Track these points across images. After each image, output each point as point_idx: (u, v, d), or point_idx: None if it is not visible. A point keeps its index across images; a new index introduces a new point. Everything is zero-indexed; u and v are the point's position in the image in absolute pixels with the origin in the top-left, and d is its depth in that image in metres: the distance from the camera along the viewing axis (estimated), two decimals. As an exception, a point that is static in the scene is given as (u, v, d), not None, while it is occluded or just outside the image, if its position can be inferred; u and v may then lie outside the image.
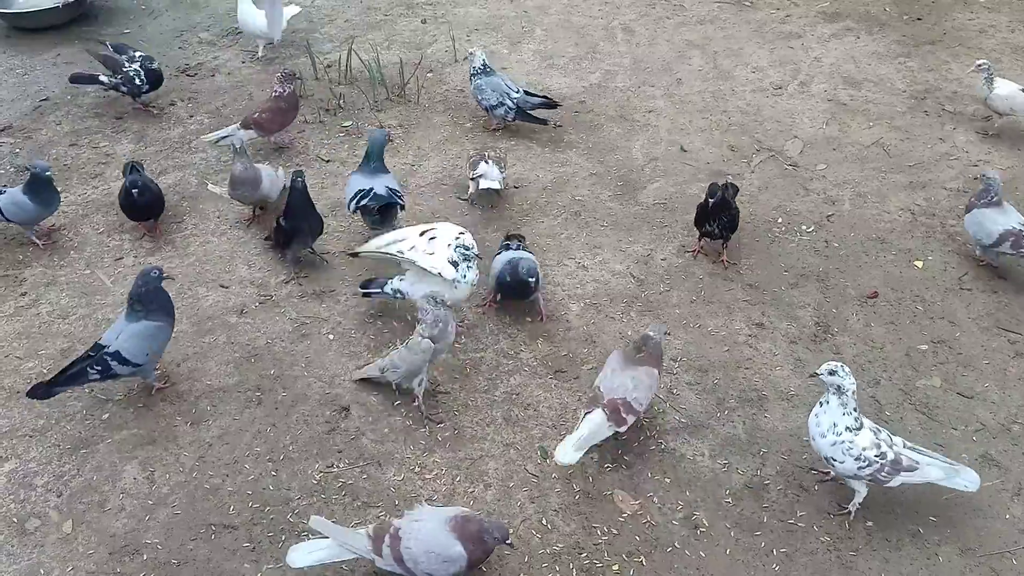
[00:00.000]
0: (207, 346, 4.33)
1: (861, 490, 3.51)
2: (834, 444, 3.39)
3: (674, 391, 4.10)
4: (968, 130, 5.87)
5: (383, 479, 3.70)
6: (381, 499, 3.61)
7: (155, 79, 5.92)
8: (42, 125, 6.01)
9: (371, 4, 7.59)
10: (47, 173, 4.76)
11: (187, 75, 6.59)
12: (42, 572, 3.38)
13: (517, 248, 4.49)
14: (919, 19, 7.22)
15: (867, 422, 3.45)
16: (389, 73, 6.32)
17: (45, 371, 4.19)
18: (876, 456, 3.37)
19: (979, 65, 5.61)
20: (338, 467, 3.75)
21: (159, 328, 3.91)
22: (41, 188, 4.78)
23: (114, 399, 4.05)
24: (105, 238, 5.00)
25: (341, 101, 6.12)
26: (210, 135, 5.64)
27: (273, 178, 4.99)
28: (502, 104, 5.65)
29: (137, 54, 5.86)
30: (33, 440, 3.87)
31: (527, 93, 5.75)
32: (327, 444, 3.84)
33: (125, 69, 5.80)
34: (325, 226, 4.82)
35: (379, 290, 4.39)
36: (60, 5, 7.00)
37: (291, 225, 4.63)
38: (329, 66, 6.55)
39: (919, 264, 4.81)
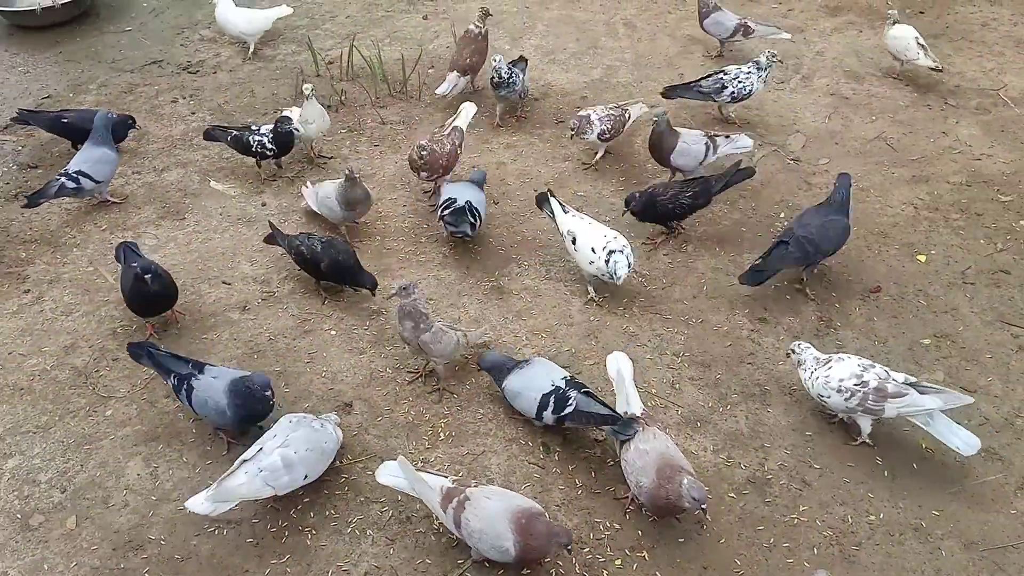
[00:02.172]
0: (210, 342, 4.33)
1: (863, 424, 3.75)
2: (816, 381, 3.74)
3: (676, 386, 4.10)
4: (971, 124, 5.85)
5: (386, 474, 3.70)
6: (384, 495, 3.61)
7: (283, 143, 5.32)
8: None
9: (372, 0, 7.58)
10: (109, 115, 5.16)
11: (189, 72, 6.59)
12: (46, 567, 3.40)
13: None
14: (921, 12, 7.19)
15: (855, 358, 3.76)
16: (391, 69, 6.31)
17: (48, 368, 4.20)
18: (856, 385, 3.63)
19: (889, 14, 6.18)
20: (341, 463, 3.75)
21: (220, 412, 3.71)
22: (108, 136, 5.06)
23: (117, 396, 4.06)
24: (108, 235, 5.01)
25: (343, 97, 6.12)
26: (440, 88, 5.93)
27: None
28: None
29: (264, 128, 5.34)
30: (37, 436, 3.88)
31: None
32: (330, 440, 3.84)
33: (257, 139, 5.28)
34: (325, 225, 4.83)
35: None
36: (58, 4, 6.99)
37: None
38: (331, 62, 6.55)
39: (922, 258, 4.81)
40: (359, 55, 6.39)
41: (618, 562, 3.40)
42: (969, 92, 6.17)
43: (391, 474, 3.43)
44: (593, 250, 4.33)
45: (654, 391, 4.06)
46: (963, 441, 3.59)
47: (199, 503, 3.35)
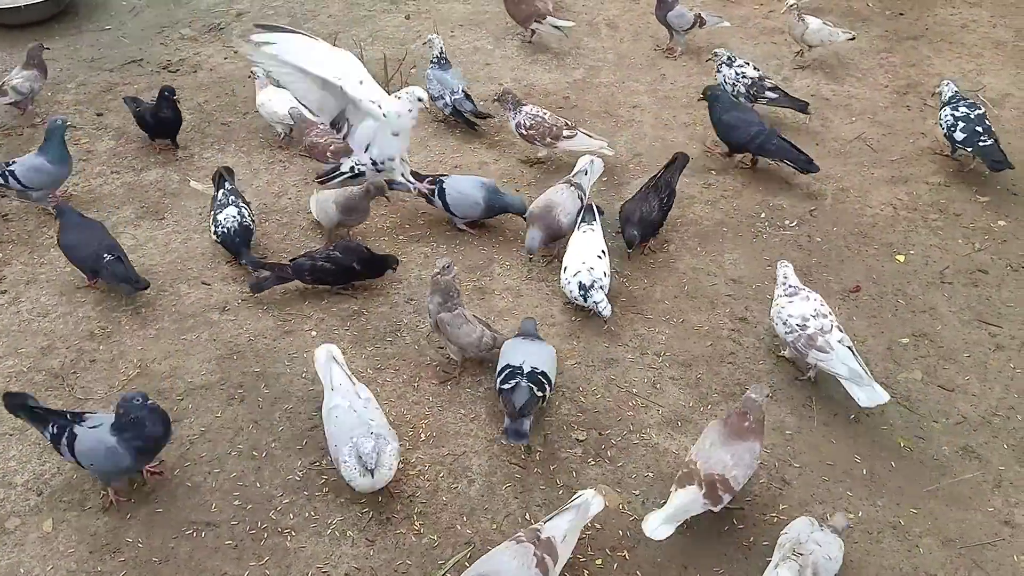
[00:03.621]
0: (189, 343, 4.30)
1: (811, 361, 3.95)
2: (776, 305, 4.07)
3: (657, 386, 4.10)
4: (950, 125, 5.90)
5: (366, 475, 3.68)
6: (364, 495, 3.59)
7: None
8: (23, 122, 5.96)
9: (355, 0, 7.56)
10: (60, 122, 4.93)
11: (169, 71, 6.55)
12: (22, 571, 3.36)
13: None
14: (901, 14, 7.24)
15: (815, 303, 3.99)
16: (373, 69, 6.25)
17: (25, 369, 4.16)
18: (798, 325, 3.92)
19: (791, 6, 6.26)
20: (321, 464, 3.73)
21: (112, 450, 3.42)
22: (55, 146, 4.90)
23: (94, 398, 4.02)
24: (86, 235, 4.95)
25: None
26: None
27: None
28: (441, 98, 5.73)
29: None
30: (13, 439, 3.84)
31: (466, 96, 5.78)
32: (310, 441, 3.83)
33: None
34: (306, 223, 4.80)
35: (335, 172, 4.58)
36: (22, 6, 6.91)
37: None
38: (312, 62, 6.50)
39: (901, 258, 4.84)
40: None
41: (599, 562, 3.40)
42: (948, 93, 6.21)
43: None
44: (565, 270, 4.35)
45: (635, 391, 4.07)
46: (869, 396, 3.76)
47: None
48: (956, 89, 5.43)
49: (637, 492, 3.64)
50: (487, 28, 7.06)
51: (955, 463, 3.77)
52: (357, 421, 3.49)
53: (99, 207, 5.16)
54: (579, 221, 4.61)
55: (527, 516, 3.54)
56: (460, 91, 5.75)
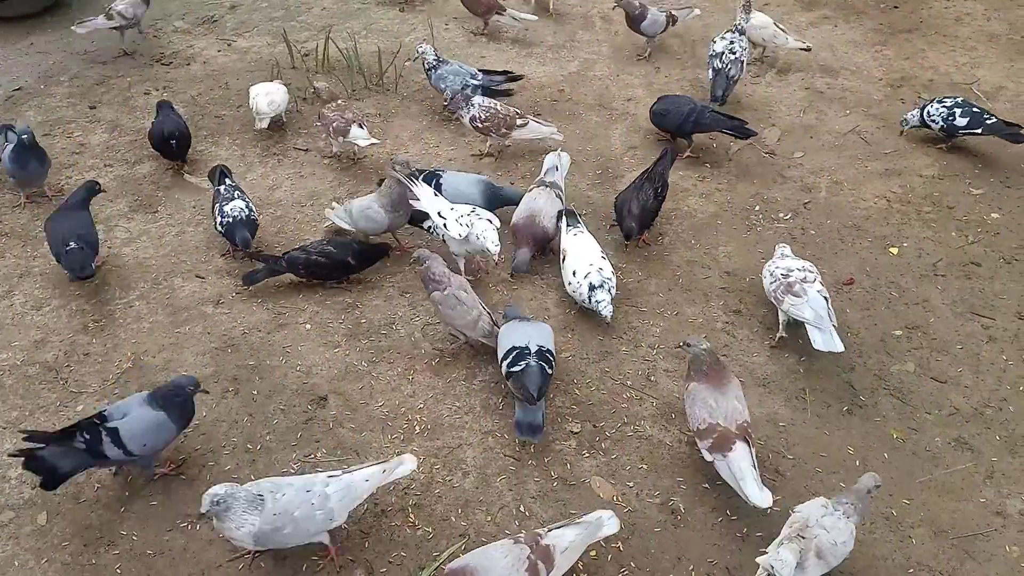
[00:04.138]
0: (183, 336, 4.30)
1: (780, 316, 4.18)
2: (769, 264, 4.31)
3: (651, 378, 4.11)
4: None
5: (361, 468, 3.69)
6: (359, 488, 3.60)
7: None
8: (16, 115, 5.94)
9: (349, -8, 7.54)
10: (23, 136, 4.87)
11: (162, 64, 6.53)
12: (16, 564, 3.36)
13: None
14: (896, 7, 7.25)
15: (801, 263, 4.22)
16: (367, 62, 6.29)
17: (18, 363, 4.15)
18: (781, 275, 4.14)
19: (744, 4, 6.08)
20: (316, 457, 3.74)
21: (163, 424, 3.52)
22: (22, 151, 4.90)
23: (88, 391, 4.02)
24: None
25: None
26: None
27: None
28: (466, 86, 5.68)
29: None
30: (7, 432, 3.83)
31: (484, 73, 5.86)
32: (305, 434, 3.83)
33: None
34: (300, 217, 4.79)
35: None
36: None
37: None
38: (306, 55, 6.51)
39: (894, 251, 4.85)
40: (335, 47, 6.35)
41: (593, 553, 3.40)
42: (942, 86, 6.23)
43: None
44: (574, 274, 4.30)
45: (629, 383, 4.08)
46: (827, 342, 3.94)
47: None
48: (924, 105, 5.50)
49: (631, 484, 3.65)
50: (481, 21, 7.04)
51: (948, 454, 3.78)
52: None
53: (93, 200, 5.13)
54: (564, 226, 4.54)
55: (521, 508, 3.55)
56: (477, 72, 5.78)
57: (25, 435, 3.39)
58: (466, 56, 6.43)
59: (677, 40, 6.82)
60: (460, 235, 4.34)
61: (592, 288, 4.23)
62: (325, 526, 3.23)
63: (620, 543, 3.44)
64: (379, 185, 4.63)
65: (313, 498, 3.18)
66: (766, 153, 5.62)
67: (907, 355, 4.25)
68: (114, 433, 3.40)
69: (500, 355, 3.87)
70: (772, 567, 3.05)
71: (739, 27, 5.83)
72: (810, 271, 4.17)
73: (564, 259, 4.42)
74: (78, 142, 5.67)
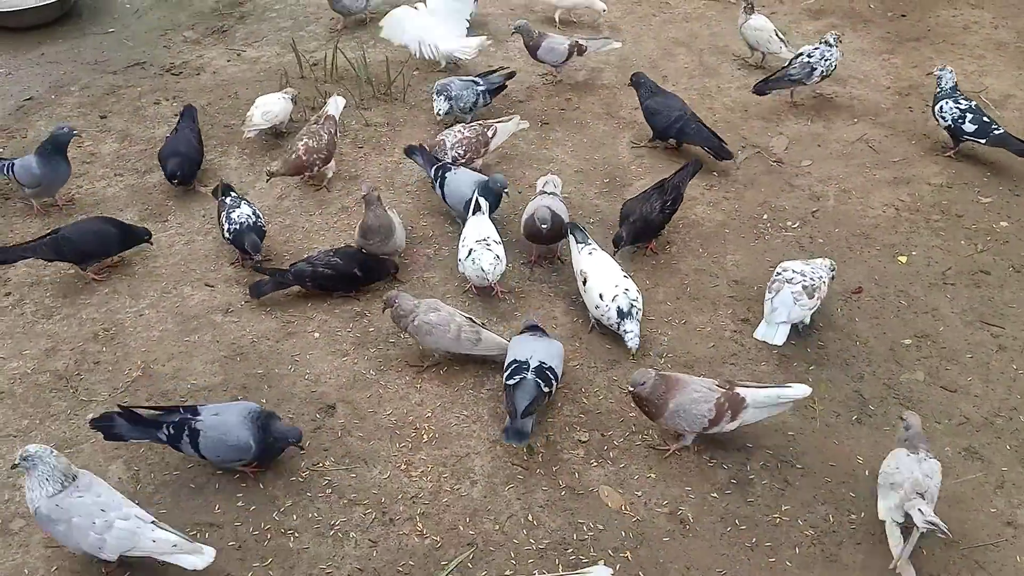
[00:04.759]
0: (192, 345, 4.31)
1: None
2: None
3: (660, 387, 4.10)
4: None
5: (369, 477, 3.70)
6: (367, 497, 3.61)
7: None
8: (26, 125, 5.99)
9: (357, 2, 7.57)
10: (72, 135, 5.02)
11: (172, 74, 6.57)
12: (27, 572, 3.37)
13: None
14: (903, 16, 7.24)
15: (795, 280, 4.21)
16: (375, 71, 6.31)
17: (29, 371, 4.18)
18: (781, 270, 4.27)
19: (746, 5, 6.26)
20: (324, 465, 3.74)
21: (242, 448, 3.57)
22: (53, 153, 4.95)
23: (98, 399, 4.03)
24: (89, 237, 4.97)
25: (327, 99, 6.10)
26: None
27: (401, 226, 4.70)
28: (477, 94, 5.70)
29: None
30: (18, 440, 3.85)
31: (483, 76, 5.88)
32: (313, 442, 3.84)
33: None
34: (309, 226, 4.80)
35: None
36: (25, 9, 6.94)
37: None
38: (315, 64, 6.54)
39: (903, 259, 4.84)
40: (343, 57, 6.39)
41: (601, 562, 3.40)
42: (950, 94, 6.21)
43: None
44: (601, 297, 4.22)
45: (637, 392, 4.07)
46: (763, 331, 4.20)
47: None
48: (955, 79, 5.47)
49: (639, 493, 3.64)
50: (489, 29, 7.07)
51: (958, 464, 3.77)
52: None
53: (103, 209, 5.18)
54: (574, 242, 4.51)
55: (529, 517, 3.55)
56: (479, 81, 5.79)
57: (121, 411, 3.54)
58: (475, 64, 6.44)
59: (684, 49, 6.83)
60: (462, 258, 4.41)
61: (621, 315, 4.15)
62: (92, 550, 3.21)
63: (628, 552, 3.44)
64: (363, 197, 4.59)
65: (99, 519, 3.18)
66: (774, 162, 5.62)
67: (916, 364, 4.23)
68: (195, 435, 3.50)
69: (503, 367, 3.88)
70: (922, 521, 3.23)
71: (830, 42, 5.86)
72: (802, 275, 4.20)
73: (585, 282, 4.32)
74: (88, 152, 5.71)
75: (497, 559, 3.41)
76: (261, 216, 4.74)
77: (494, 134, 5.36)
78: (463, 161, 5.25)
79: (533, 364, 3.78)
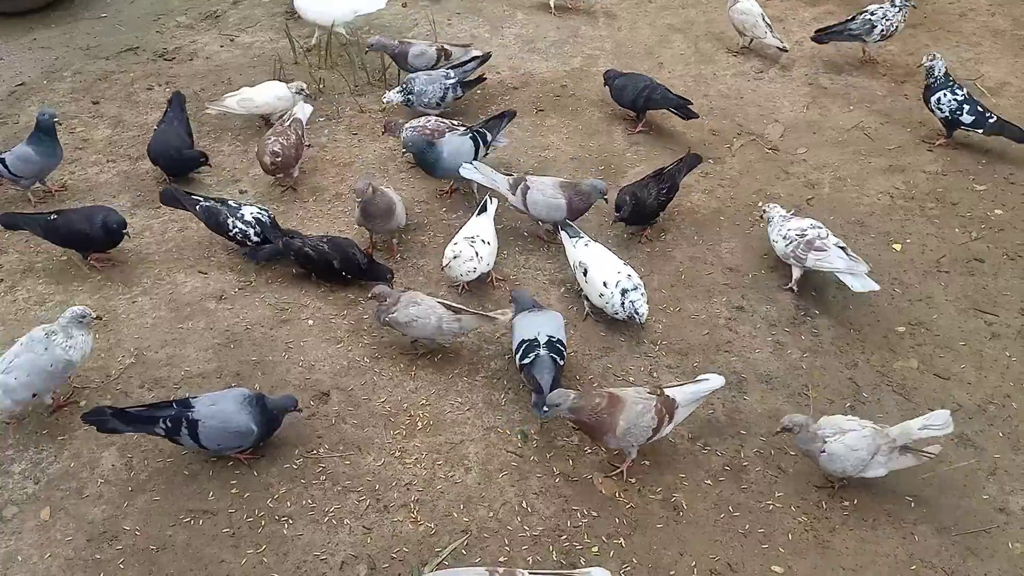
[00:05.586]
0: (186, 332, 4.30)
1: (795, 272, 4.45)
2: (775, 231, 4.50)
3: (654, 374, 4.11)
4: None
5: (363, 464, 3.70)
6: (361, 484, 3.61)
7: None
8: (18, 111, 5.95)
9: (351, -12, 7.52)
10: (53, 120, 4.87)
11: (165, 59, 6.53)
12: (20, 559, 3.37)
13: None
14: (900, 3, 7.21)
15: (809, 220, 4.47)
16: (370, 58, 6.28)
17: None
18: (797, 235, 4.38)
19: None
20: (318, 452, 3.74)
21: (244, 433, 3.58)
22: (44, 138, 4.88)
23: (90, 386, 4.02)
24: (82, 224, 4.94)
25: (321, 85, 6.08)
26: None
27: (400, 203, 4.67)
28: (446, 88, 5.60)
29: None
30: (10, 427, 3.84)
31: (453, 69, 5.77)
32: (307, 429, 3.83)
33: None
34: (303, 213, 4.78)
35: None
36: None
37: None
38: (309, 50, 6.50)
39: (897, 247, 4.84)
40: (337, 43, 6.34)
41: (595, 549, 3.41)
42: (946, 82, 6.20)
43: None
44: (605, 284, 4.21)
45: (632, 379, 4.07)
46: (861, 284, 4.25)
47: None
48: (945, 66, 5.46)
49: (633, 480, 3.65)
50: (484, 16, 7.04)
51: (950, 451, 3.77)
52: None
53: (95, 196, 5.15)
54: (567, 237, 4.49)
55: (524, 504, 3.55)
56: (450, 74, 5.69)
57: (112, 410, 3.52)
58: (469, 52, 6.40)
59: (680, 35, 6.80)
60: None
61: (625, 292, 4.15)
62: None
63: (622, 539, 3.45)
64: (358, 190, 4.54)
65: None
66: (769, 149, 5.61)
67: (910, 351, 4.24)
68: (193, 427, 3.49)
69: (513, 350, 3.92)
70: None
71: (895, 2, 5.98)
72: (819, 227, 4.41)
73: (586, 272, 4.30)
74: (81, 138, 5.68)
75: (491, 546, 3.42)
76: (266, 211, 4.71)
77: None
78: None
79: (543, 340, 3.84)
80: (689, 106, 5.53)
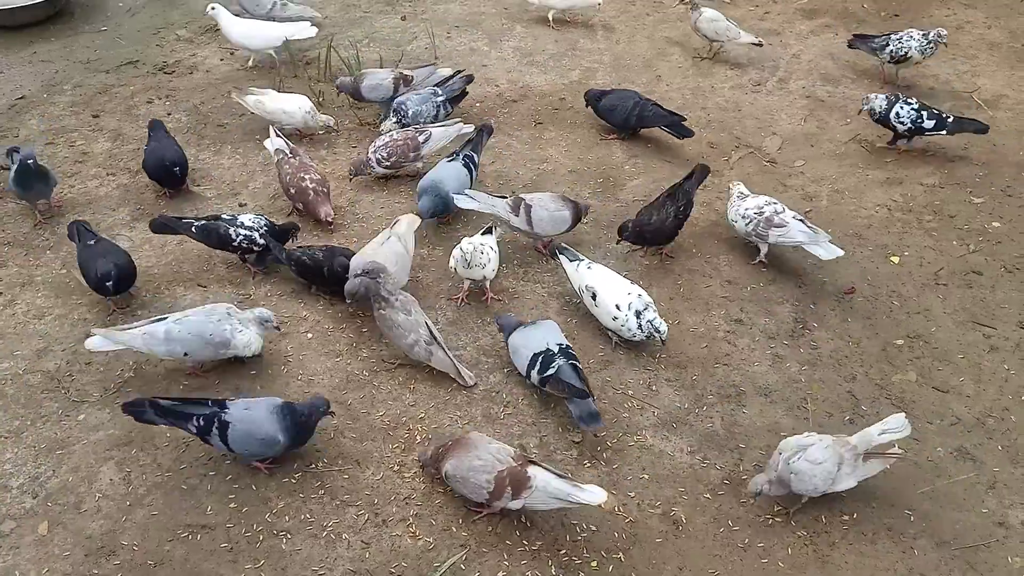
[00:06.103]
0: (185, 346, 4.30)
1: (761, 248, 4.68)
2: (734, 210, 4.72)
3: (652, 387, 4.11)
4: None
5: (362, 478, 3.69)
6: (360, 498, 3.60)
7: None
8: (18, 124, 5.96)
9: (350, 1, 7.56)
10: (28, 162, 4.81)
11: (164, 72, 6.55)
12: (18, 574, 3.36)
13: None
14: (896, 15, 7.26)
15: (764, 198, 4.68)
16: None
17: (20, 372, 4.16)
18: (755, 213, 4.58)
19: (691, 2, 6.57)
20: (317, 466, 3.74)
21: (270, 442, 3.59)
22: (26, 179, 4.86)
23: (90, 400, 4.02)
24: (81, 237, 4.95)
25: (320, 99, 6.09)
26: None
27: (403, 256, 4.46)
28: (437, 106, 5.61)
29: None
30: (8, 441, 3.83)
31: (439, 86, 5.77)
32: (306, 443, 3.82)
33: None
34: (303, 225, 4.80)
35: None
36: (17, 7, 6.91)
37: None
38: (308, 63, 6.52)
39: (895, 260, 4.85)
40: (337, 56, 6.37)
41: (594, 563, 3.40)
42: (943, 94, 6.24)
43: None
44: (618, 307, 4.17)
45: (631, 392, 4.07)
46: (827, 250, 4.48)
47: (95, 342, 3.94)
48: (885, 99, 5.54)
49: (632, 494, 3.64)
50: (483, 29, 7.07)
51: (949, 464, 3.78)
52: None
53: (95, 209, 5.16)
54: (566, 261, 4.45)
55: (522, 518, 3.55)
56: (438, 92, 5.68)
57: (150, 401, 3.57)
58: (468, 65, 6.44)
59: (678, 48, 6.83)
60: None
61: (639, 313, 4.12)
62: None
63: (621, 553, 3.44)
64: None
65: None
66: (767, 162, 5.63)
67: (909, 364, 4.24)
68: (224, 428, 3.52)
69: (523, 366, 3.93)
70: None
71: (927, 33, 6.04)
72: (774, 203, 4.61)
73: (595, 296, 4.25)
74: (81, 151, 5.69)
75: (490, 561, 3.41)
76: (262, 216, 4.74)
77: (427, 139, 5.26)
78: (388, 164, 5.19)
79: (555, 349, 3.87)
80: (683, 123, 5.53)
